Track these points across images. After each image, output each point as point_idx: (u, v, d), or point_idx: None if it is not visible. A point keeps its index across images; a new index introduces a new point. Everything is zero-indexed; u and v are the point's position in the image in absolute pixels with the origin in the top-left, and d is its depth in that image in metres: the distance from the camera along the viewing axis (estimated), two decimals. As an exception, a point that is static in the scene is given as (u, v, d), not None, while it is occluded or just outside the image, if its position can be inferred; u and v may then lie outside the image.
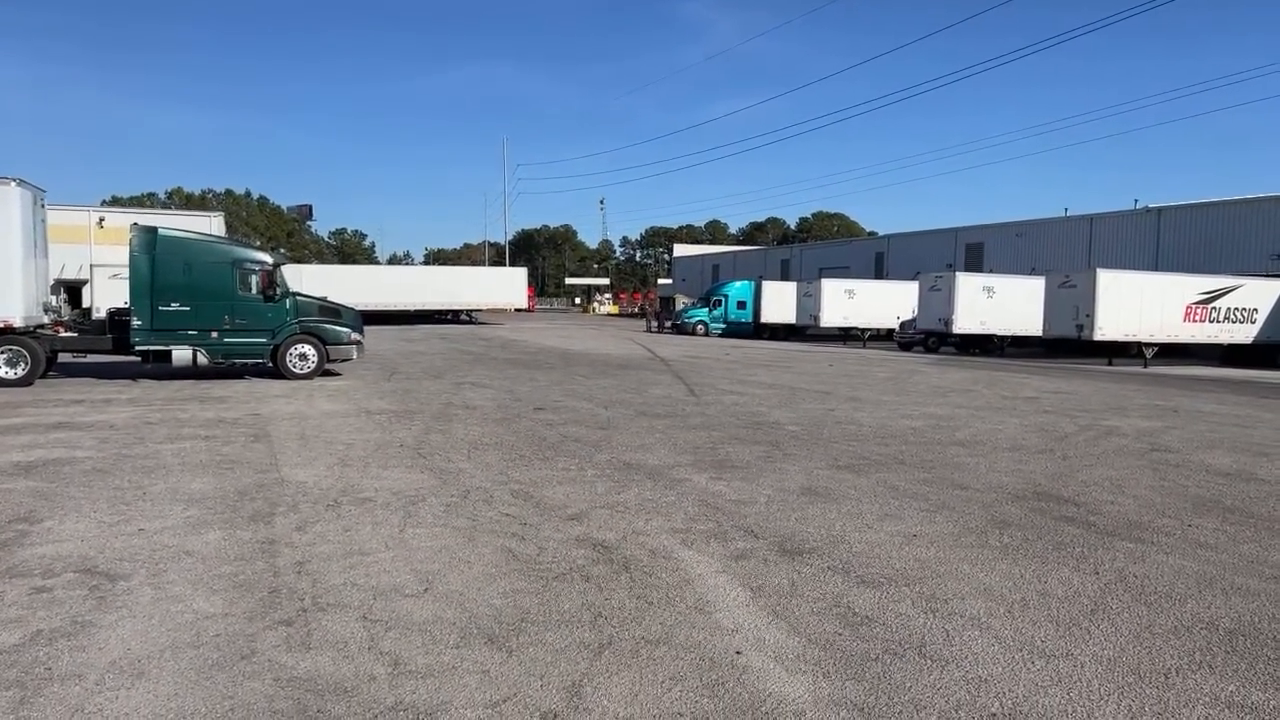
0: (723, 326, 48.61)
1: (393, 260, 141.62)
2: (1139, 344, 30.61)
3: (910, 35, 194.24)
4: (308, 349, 17.93)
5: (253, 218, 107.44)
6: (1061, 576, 5.79)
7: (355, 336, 18.66)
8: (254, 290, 17.48)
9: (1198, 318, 31.85)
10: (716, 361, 26.28)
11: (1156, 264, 39.16)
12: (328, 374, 18.46)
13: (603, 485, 8.34)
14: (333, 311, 18.80)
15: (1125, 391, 19.56)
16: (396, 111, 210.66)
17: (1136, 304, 30.51)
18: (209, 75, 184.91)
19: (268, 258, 18.44)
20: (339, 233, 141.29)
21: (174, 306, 16.89)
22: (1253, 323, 32.72)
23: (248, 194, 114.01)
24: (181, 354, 16.98)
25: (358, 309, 20.14)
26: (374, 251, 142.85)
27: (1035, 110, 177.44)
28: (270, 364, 17.81)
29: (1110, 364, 30.23)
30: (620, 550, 6.20)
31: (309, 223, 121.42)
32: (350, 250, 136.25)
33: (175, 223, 21.82)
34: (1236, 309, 32.42)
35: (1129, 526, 7.14)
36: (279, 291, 17.69)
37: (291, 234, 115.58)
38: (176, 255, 16.97)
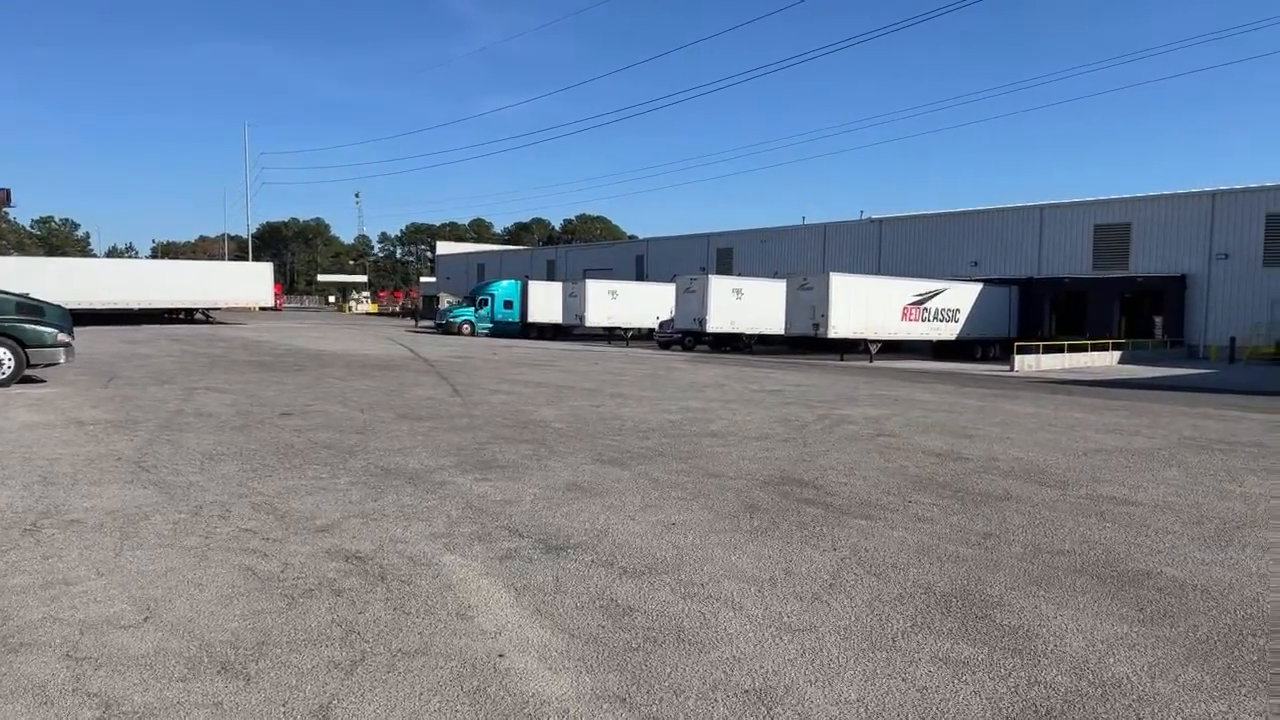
0: (490, 326, 48.11)
1: (113, 253, 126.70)
2: (865, 341, 33.93)
3: (670, 44, 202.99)
4: (3, 353, 15.50)
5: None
6: (804, 555, 6.21)
7: (63, 338, 16.39)
8: (-72, 284, 14.87)
9: (913, 317, 35.87)
10: (484, 361, 25.87)
11: (879, 269, 43.67)
12: (29, 381, 16.07)
13: (357, 493, 7.87)
14: (34, 309, 16.44)
15: (855, 383, 21.58)
16: (118, 86, 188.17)
17: (863, 305, 33.80)
18: None
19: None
20: (45, 221, 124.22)
21: None
22: (956, 321, 37.39)
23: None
24: None
25: (67, 307, 17.80)
26: (89, 243, 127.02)
27: (779, 122, 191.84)
28: (-48, 371, 15.21)
29: (842, 359, 33.28)
30: (376, 560, 5.86)
31: (7, 209, 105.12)
32: (60, 241, 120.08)
33: None
34: (943, 309, 36.89)
35: (860, 505, 7.82)
36: (-38, 286, 15.17)
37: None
38: None
